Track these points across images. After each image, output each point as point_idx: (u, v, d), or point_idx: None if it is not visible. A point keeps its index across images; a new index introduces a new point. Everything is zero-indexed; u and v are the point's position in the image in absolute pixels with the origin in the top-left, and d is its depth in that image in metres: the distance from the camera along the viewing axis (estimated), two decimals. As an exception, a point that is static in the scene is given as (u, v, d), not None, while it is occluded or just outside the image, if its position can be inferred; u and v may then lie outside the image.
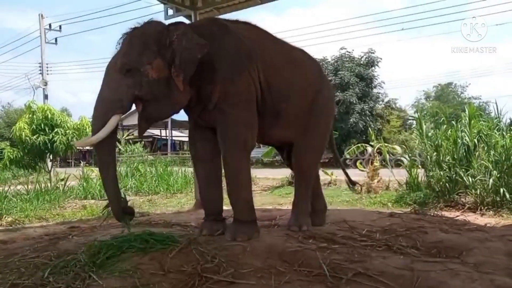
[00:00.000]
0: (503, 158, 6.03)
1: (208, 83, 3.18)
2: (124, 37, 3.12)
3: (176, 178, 10.71)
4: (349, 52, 21.03)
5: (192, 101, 3.23)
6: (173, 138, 30.22)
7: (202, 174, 3.60)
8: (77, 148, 11.03)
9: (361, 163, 11.43)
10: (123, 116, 3.19)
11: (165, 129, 29.82)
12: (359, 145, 11.62)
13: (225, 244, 3.08)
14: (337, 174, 10.28)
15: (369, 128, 14.99)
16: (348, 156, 15.35)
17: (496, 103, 7.20)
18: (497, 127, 6.77)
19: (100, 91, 3.07)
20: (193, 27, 3.35)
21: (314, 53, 4.20)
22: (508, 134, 6.37)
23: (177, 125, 28.28)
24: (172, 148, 28.23)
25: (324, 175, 9.43)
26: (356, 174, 9.91)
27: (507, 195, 5.72)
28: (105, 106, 3.01)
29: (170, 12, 6.95)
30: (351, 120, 18.81)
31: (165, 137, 30.83)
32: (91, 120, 3.24)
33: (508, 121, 7.05)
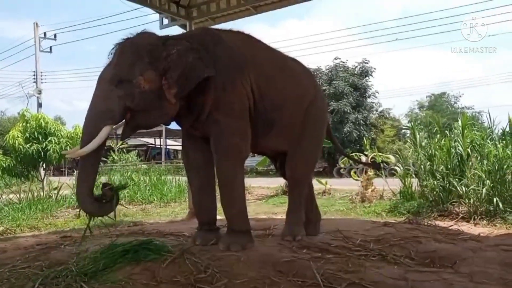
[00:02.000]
0: (496, 167, 6.06)
1: (201, 93, 3.17)
2: (116, 48, 3.12)
3: (170, 187, 10.65)
4: (343, 62, 21.16)
5: (183, 111, 3.22)
6: (168, 146, 30.15)
7: (196, 183, 3.59)
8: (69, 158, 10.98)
9: (355, 173, 11.44)
10: (114, 127, 3.18)
11: (159, 138, 29.78)
12: (353, 154, 11.63)
13: (219, 254, 3.07)
14: (331, 183, 10.31)
15: (363, 138, 15.03)
16: (342, 165, 15.41)
17: (489, 113, 7.24)
18: (490, 137, 6.82)
19: (91, 102, 3.05)
20: (185, 37, 3.35)
21: (308, 63, 4.22)
22: (501, 144, 6.42)
23: (171, 134, 28.25)
24: (166, 157, 28.15)
25: (318, 185, 9.43)
26: (350, 183, 9.95)
27: (500, 205, 5.74)
28: (96, 117, 2.99)
29: (166, 21, 6.98)
30: (345, 129, 18.87)
31: (159, 146, 30.77)
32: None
33: (501, 131, 7.07)
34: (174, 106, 3.12)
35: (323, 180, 10.29)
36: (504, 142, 6.54)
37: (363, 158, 10.92)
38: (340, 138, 18.62)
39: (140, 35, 3.17)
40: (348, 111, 19.17)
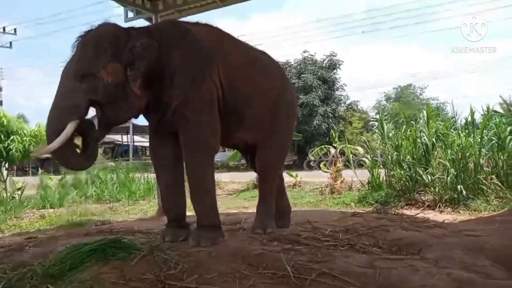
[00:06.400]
0: (460, 156, 6.27)
1: (167, 88, 3.12)
2: (78, 41, 3.03)
3: (138, 184, 10.49)
4: (312, 55, 21.34)
5: (150, 106, 3.17)
6: (135, 143, 29.67)
7: (164, 179, 3.54)
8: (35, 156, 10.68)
9: (324, 165, 11.58)
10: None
11: (127, 135, 29.24)
12: (322, 146, 11.75)
13: (188, 250, 3.04)
14: (301, 176, 10.41)
15: (332, 130, 15.20)
16: (312, 158, 15.54)
17: (452, 103, 7.53)
18: (454, 127, 7.06)
19: (55, 98, 2.95)
20: (152, 29, 3.29)
21: (277, 56, 4.22)
22: (464, 133, 6.64)
23: (139, 130, 27.79)
24: (134, 154, 27.70)
25: (288, 177, 9.50)
26: (320, 176, 10.07)
27: (464, 192, 5.95)
28: (61, 113, 2.89)
29: (130, 15, 6.82)
30: (315, 122, 19.07)
31: (126, 143, 30.20)
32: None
33: (464, 120, 7.33)
34: (141, 98, 3.06)
35: (293, 173, 10.38)
36: (466, 131, 6.77)
37: (332, 151, 11.07)
38: (309, 131, 18.82)
39: (101, 26, 3.09)
40: (317, 104, 19.38)
